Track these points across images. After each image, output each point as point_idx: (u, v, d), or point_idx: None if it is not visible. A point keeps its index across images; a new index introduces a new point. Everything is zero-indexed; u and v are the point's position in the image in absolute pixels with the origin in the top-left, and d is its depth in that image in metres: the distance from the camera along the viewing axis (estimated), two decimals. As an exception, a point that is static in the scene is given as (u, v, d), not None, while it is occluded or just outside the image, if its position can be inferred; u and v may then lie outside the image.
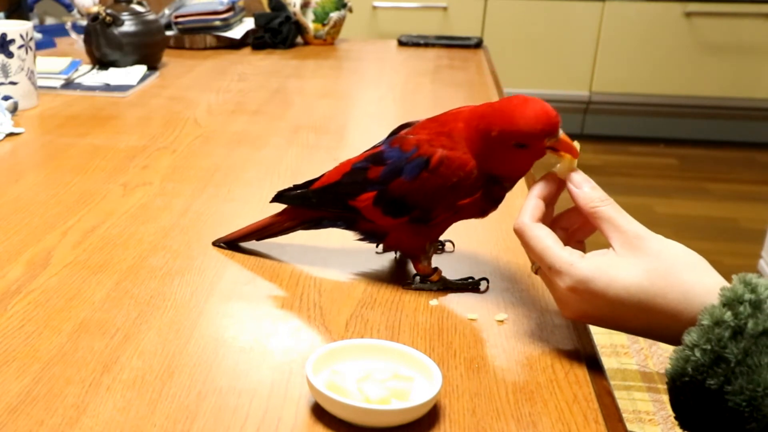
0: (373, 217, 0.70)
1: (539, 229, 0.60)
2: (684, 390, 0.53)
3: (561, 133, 0.62)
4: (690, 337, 0.52)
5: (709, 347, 0.51)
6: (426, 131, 0.69)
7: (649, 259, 0.56)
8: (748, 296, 0.51)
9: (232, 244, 0.79)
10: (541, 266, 0.60)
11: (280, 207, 0.76)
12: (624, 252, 0.57)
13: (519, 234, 0.61)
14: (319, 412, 0.53)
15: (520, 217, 0.61)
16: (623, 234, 0.58)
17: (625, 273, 0.56)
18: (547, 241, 0.59)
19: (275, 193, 0.75)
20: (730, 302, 0.52)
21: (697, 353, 0.51)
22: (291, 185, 0.75)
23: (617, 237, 0.58)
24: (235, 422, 0.52)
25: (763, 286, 0.52)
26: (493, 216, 0.86)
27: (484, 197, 0.67)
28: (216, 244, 0.79)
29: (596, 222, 0.60)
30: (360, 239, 0.74)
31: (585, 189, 0.62)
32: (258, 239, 0.78)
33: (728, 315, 0.51)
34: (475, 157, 0.65)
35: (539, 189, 0.63)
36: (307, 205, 0.73)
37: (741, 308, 0.51)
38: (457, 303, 0.69)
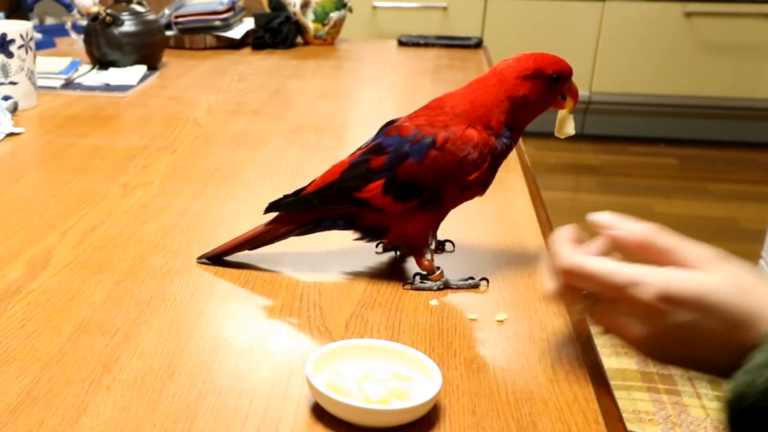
0: (383, 205, 0.70)
1: (592, 257, 0.54)
2: (751, 413, 0.48)
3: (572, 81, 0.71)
4: (764, 354, 0.47)
5: None
6: (422, 118, 0.71)
7: (730, 265, 0.52)
8: None
9: (218, 259, 0.75)
10: (608, 291, 0.53)
11: (270, 214, 0.74)
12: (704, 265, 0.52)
13: (574, 269, 0.54)
14: (319, 412, 0.53)
15: (565, 257, 0.55)
16: (699, 254, 0.53)
17: (713, 273, 0.51)
18: (609, 263, 0.53)
19: (267, 204, 0.73)
20: None
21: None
22: (282, 195, 0.73)
23: (692, 257, 0.53)
24: (235, 422, 0.52)
25: None
26: (493, 217, 0.86)
27: (489, 167, 0.70)
28: (201, 260, 0.75)
29: (655, 254, 0.54)
30: (359, 238, 0.73)
31: (629, 225, 0.57)
32: (251, 249, 0.75)
33: None
34: (501, 114, 0.69)
35: (565, 234, 0.58)
36: (308, 208, 0.72)
37: None
38: (457, 303, 0.69)
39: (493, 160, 0.70)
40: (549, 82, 0.69)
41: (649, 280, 0.51)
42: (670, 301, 0.51)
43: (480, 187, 0.71)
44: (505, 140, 0.70)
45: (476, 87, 0.71)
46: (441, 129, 0.69)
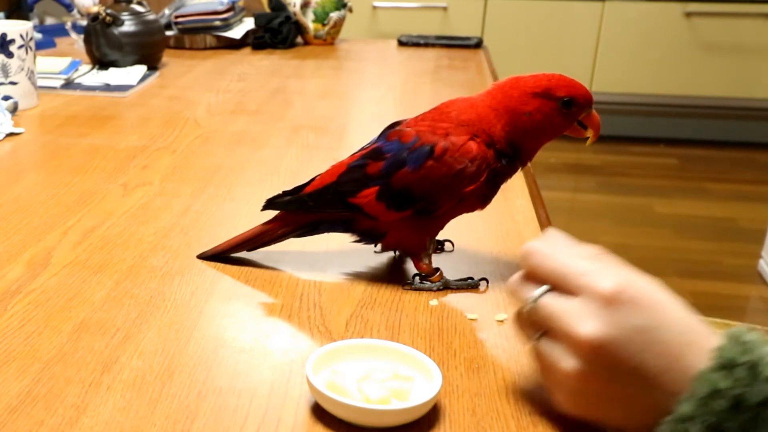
0: (376, 212, 0.69)
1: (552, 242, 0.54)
2: None
3: (593, 111, 0.68)
4: (685, 408, 0.46)
5: (711, 420, 0.45)
6: (425, 123, 0.69)
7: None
8: (743, 358, 0.46)
9: (218, 257, 0.75)
10: (565, 280, 0.51)
11: (270, 214, 0.74)
12: None
13: (538, 250, 0.53)
14: (319, 412, 0.53)
15: (531, 243, 0.54)
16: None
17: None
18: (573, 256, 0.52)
19: (265, 200, 0.73)
20: (726, 367, 0.46)
21: (696, 428, 0.46)
22: (281, 191, 0.73)
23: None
24: (235, 422, 0.52)
25: (755, 342, 0.47)
26: (493, 216, 0.86)
27: (487, 182, 0.68)
28: (201, 257, 0.76)
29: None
30: (357, 240, 0.73)
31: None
32: (249, 249, 0.75)
33: (725, 383, 0.45)
34: (504, 129, 0.67)
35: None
36: (304, 209, 0.71)
37: (738, 373, 0.45)
38: (457, 303, 0.69)
39: (492, 175, 0.68)
40: (560, 106, 0.66)
41: (611, 270, 0.50)
42: (626, 292, 0.48)
43: (479, 201, 0.69)
44: (507, 158, 0.68)
45: (486, 95, 0.69)
46: (441, 138, 0.67)
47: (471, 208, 0.70)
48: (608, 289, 0.48)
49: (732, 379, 0.46)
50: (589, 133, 0.69)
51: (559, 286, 0.51)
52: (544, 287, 0.51)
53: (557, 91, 0.66)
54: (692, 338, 0.48)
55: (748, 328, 0.48)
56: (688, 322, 0.49)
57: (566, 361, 0.49)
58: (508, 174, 0.70)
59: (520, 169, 0.71)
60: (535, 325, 0.52)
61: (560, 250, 0.52)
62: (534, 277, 0.52)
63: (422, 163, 0.67)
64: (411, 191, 0.67)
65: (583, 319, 0.48)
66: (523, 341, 0.53)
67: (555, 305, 0.50)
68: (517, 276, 0.54)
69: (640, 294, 0.48)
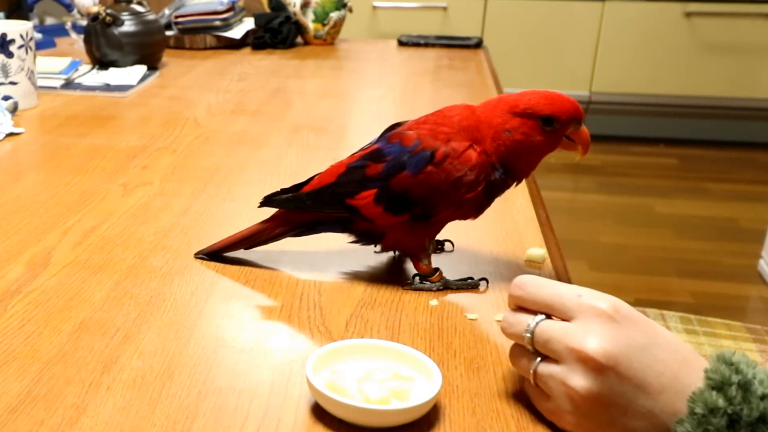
0: (373, 215, 0.69)
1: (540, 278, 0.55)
2: None
3: (582, 126, 0.66)
4: (683, 427, 0.48)
5: None
6: (426, 126, 0.69)
7: None
8: (735, 378, 0.48)
9: (215, 255, 0.76)
10: (560, 307, 0.52)
11: (269, 213, 0.74)
12: None
13: (529, 281, 0.54)
14: (319, 412, 0.53)
15: (521, 276, 0.55)
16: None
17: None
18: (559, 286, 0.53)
19: (263, 197, 0.73)
20: (719, 386, 0.48)
21: None
22: (279, 189, 0.73)
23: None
24: (235, 422, 0.52)
25: (744, 363, 0.49)
26: (493, 216, 0.86)
27: (485, 191, 0.67)
28: (198, 256, 0.76)
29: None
30: (355, 241, 0.73)
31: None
32: (247, 248, 0.75)
33: (721, 401, 0.48)
34: (491, 144, 0.66)
35: None
36: (301, 208, 0.71)
37: (731, 392, 0.48)
38: (457, 303, 0.69)
39: (489, 186, 0.68)
40: (542, 123, 0.65)
41: (601, 294, 0.52)
42: (621, 312, 0.50)
43: (473, 210, 0.69)
44: (499, 173, 0.67)
45: (482, 108, 0.68)
46: (443, 143, 0.67)
47: (465, 216, 0.70)
48: (606, 308, 0.50)
49: (726, 397, 0.48)
50: (579, 148, 0.68)
51: (554, 312, 0.52)
52: (540, 315, 0.53)
53: (537, 110, 0.65)
54: (684, 355, 0.50)
55: (732, 351, 0.50)
56: (676, 340, 0.51)
57: (574, 379, 0.49)
58: (501, 188, 0.69)
59: (514, 186, 0.70)
60: (534, 354, 0.53)
61: (549, 282, 0.54)
62: (526, 307, 0.54)
63: (422, 167, 0.66)
64: (409, 195, 0.67)
65: (587, 336, 0.49)
66: (521, 372, 0.54)
67: (556, 328, 0.51)
68: (507, 312, 0.55)
69: (632, 313, 0.51)
